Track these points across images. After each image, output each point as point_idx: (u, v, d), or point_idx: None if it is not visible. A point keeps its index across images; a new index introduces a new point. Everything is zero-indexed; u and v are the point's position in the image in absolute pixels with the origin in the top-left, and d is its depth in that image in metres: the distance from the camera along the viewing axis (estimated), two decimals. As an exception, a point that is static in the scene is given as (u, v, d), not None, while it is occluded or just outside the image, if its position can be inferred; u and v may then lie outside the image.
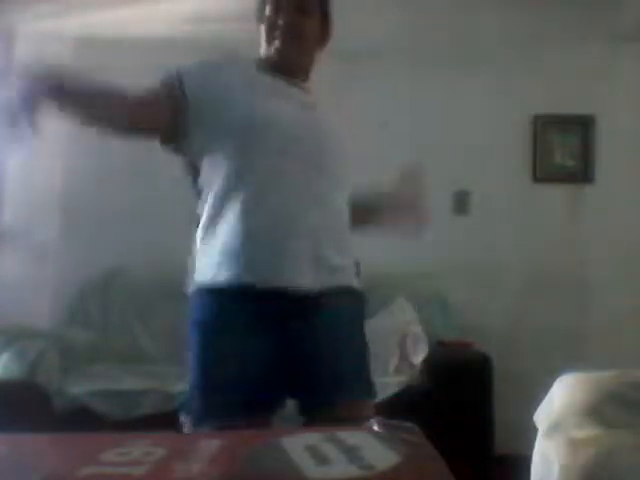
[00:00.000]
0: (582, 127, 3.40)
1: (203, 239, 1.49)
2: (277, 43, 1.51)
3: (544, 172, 3.41)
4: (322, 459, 0.49)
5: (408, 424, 0.57)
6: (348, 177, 1.56)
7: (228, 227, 1.41)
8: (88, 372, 2.77)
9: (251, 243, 1.38)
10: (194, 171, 1.57)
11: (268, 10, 1.52)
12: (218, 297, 1.41)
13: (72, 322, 3.18)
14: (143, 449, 0.51)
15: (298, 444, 0.51)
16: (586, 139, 3.39)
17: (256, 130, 1.42)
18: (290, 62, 1.54)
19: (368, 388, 1.48)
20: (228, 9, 3.19)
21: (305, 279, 1.40)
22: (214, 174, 1.46)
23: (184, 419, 1.42)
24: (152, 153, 3.67)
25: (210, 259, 1.43)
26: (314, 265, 1.41)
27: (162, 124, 1.56)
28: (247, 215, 1.39)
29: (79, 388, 2.60)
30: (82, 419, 2.49)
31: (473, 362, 2.73)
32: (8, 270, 3.39)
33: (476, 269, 3.25)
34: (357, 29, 3.12)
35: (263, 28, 1.54)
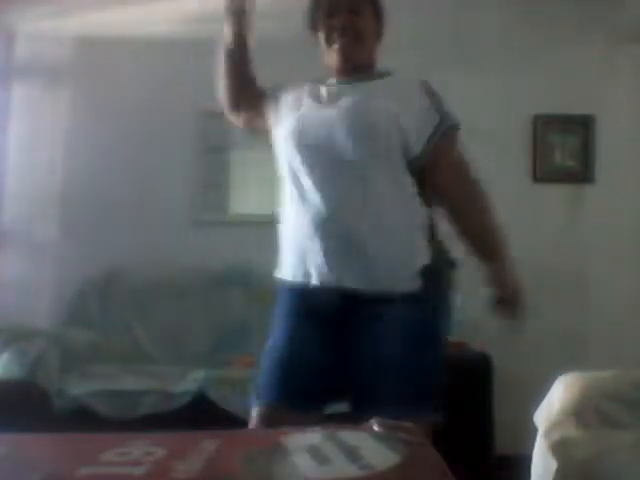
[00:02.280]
0: (582, 127, 3.39)
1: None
2: (337, 46, 1.56)
3: (544, 172, 3.41)
4: (322, 459, 0.49)
5: (408, 424, 0.57)
6: (385, 161, 1.49)
7: (285, 227, 1.56)
8: (88, 372, 2.76)
9: (294, 246, 1.51)
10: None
11: (322, 16, 1.59)
12: (286, 290, 1.55)
13: (72, 322, 3.18)
14: (143, 449, 0.51)
15: (298, 444, 0.51)
16: (586, 139, 3.39)
17: (285, 141, 1.53)
18: (352, 61, 1.57)
19: (414, 406, 1.42)
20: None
21: (345, 279, 1.44)
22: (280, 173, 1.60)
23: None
24: (152, 153, 3.69)
25: (281, 254, 1.57)
26: (352, 264, 1.44)
27: (252, 119, 1.71)
28: (292, 219, 1.52)
29: (79, 388, 2.60)
30: (82, 419, 2.49)
31: (473, 362, 2.73)
32: (8, 270, 3.39)
33: (476, 269, 3.24)
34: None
35: (320, 34, 1.59)
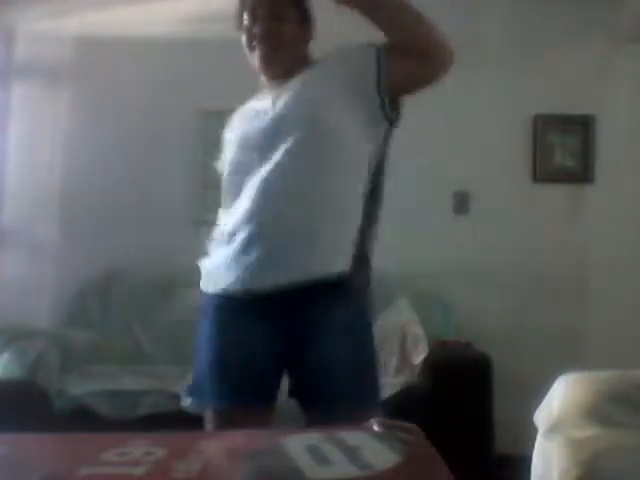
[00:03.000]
0: (582, 127, 3.39)
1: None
2: (257, 52, 1.54)
3: (544, 172, 3.41)
4: (322, 459, 0.49)
5: (408, 424, 0.57)
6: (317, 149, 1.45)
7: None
8: (88, 372, 2.76)
9: (216, 253, 1.57)
10: None
11: (245, 20, 1.56)
12: (211, 305, 1.59)
13: (72, 322, 3.18)
14: (143, 449, 0.51)
15: (298, 444, 0.51)
16: (586, 139, 3.39)
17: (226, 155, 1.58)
18: (273, 68, 1.56)
19: (362, 397, 1.43)
20: (228, 9, 3.19)
21: (261, 279, 1.41)
22: None
23: (186, 404, 1.51)
24: (152, 153, 3.69)
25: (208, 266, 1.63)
26: (270, 261, 1.40)
27: None
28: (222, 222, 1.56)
29: (79, 388, 2.60)
30: (82, 419, 2.49)
31: (473, 362, 2.73)
32: (8, 270, 3.39)
33: (476, 269, 3.24)
34: (357, 29, 3.11)
35: (243, 38, 1.57)
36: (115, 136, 3.38)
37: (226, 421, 1.42)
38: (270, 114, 1.49)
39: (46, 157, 3.46)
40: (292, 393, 1.49)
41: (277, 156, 1.43)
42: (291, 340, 1.44)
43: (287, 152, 1.42)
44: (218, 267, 1.52)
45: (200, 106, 3.35)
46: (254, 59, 1.56)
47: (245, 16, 1.57)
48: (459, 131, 3.33)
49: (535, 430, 1.87)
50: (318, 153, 1.44)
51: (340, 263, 1.40)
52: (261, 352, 1.46)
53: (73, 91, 3.49)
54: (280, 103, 1.49)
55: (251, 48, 1.56)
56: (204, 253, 1.59)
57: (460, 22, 3.36)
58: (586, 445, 1.61)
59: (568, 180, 3.41)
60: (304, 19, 1.60)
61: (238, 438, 0.58)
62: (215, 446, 0.53)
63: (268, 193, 1.42)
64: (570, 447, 1.64)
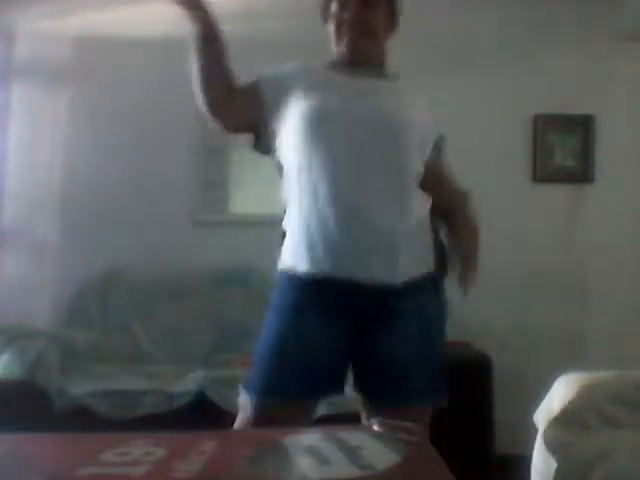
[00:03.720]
0: (582, 127, 3.39)
1: (286, 223, 1.54)
2: (346, 39, 1.55)
3: (544, 172, 3.41)
4: (322, 459, 0.49)
5: (408, 424, 0.57)
6: (416, 161, 1.55)
7: (303, 214, 1.45)
8: (88, 372, 2.76)
9: (326, 234, 1.41)
10: (279, 166, 1.58)
11: (334, 8, 1.56)
12: (298, 285, 1.44)
13: (72, 322, 3.18)
14: (143, 449, 0.51)
15: (298, 444, 0.51)
16: (586, 139, 3.39)
17: (311, 123, 1.46)
18: (361, 55, 1.57)
19: (432, 394, 1.49)
20: (228, 9, 3.19)
21: (378, 272, 1.41)
22: (291, 163, 1.50)
23: (243, 398, 1.45)
24: (152, 153, 3.69)
25: (291, 245, 1.48)
26: (386, 258, 1.42)
27: (240, 116, 1.61)
28: (317, 205, 1.43)
29: (79, 388, 2.60)
30: (82, 419, 2.49)
31: (473, 362, 2.73)
32: (8, 270, 3.39)
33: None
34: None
35: (331, 26, 1.57)
36: (115, 136, 3.38)
37: (275, 413, 1.39)
38: (376, 104, 1.51)
39: (46, 157, 3.46)
40: (359, 387, 1.50)
41: (390, 153, 1.47)
42: (367, 333, 1.45)
43: (400, 153, 1.48)
44: (323, 247, 1.42)
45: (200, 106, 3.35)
46: (341, 45, 1.56)
47: (334, 4, 1.57)
48: (459, 131, 3.32)
49: (535, 430, 1.87)
50: (412, 163, 1.54)
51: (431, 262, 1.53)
52: (331, 347, 1.44)
53: (73, 91, 3.49)
54: (387, 102, 1.53)
55: (339, 35, 1.56)
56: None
57: (460, 22, 3.37)
58: (586, 445, 1.61)
59: (568, 180, 3.41)
60: (392, 11, 1.64)
61: (238, 438, 0.58)
62: (215, 446, 0.53)
63: (394, 198, 1.46)
64: (570, 447, 1.64)
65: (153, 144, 3.40)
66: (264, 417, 1.38)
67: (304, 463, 0.47)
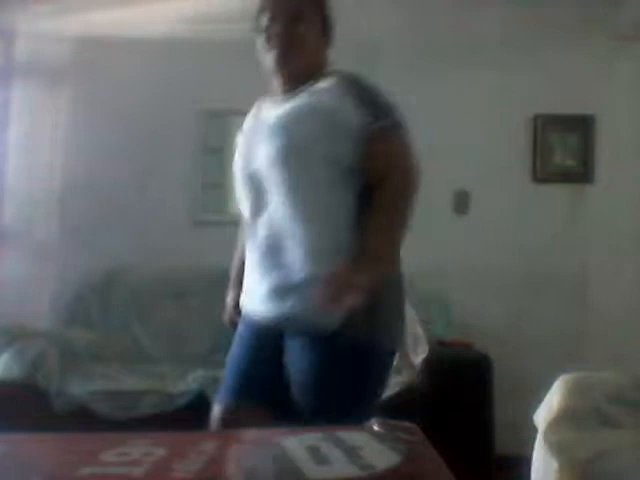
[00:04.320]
0: (582, 127, 3.39)
1: None
2: (274, 53, 1.51)
3: (544, 172, 3.41)
4: (322, 459, 0.49)
5: (408, 424, 0.57)
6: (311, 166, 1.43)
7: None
8: (88, 372, 2.76)
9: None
10: None
11: (264, 20, 1.53)
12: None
13: (72, 322, 3.18)
14: (143, 449, 0.51)
15: (298, 444, 0.51)
16: (586, 139, 3.39)
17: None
18: (287, 69, 1.52)
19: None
20: (228, 9, 3.19)
21: (259, 306, 1.51)
22: None
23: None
24: (152, 153, 3.69)
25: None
26: (266, 292, 1.48)
27: None
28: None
29: (79, 388, 2.60)
30: (82, 419, 2.49)
31: (473, 362, 2.72)
32: (8, 270, 3.39)
33: (476, 269, 3.24)
34: (357, 28, 3.12)
35: (261, 39, 1.54)
36: (115, 136, 3.38)
37: (231, 415, 1.51)
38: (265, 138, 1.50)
39: (46, 157, 3.46)
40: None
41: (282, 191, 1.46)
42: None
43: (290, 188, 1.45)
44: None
45: (200, 106, 3.35)
46: (268, 60, 1.53)
47: (264, 16, 1.53)
48: (459, 131, 3.33)
49: (535, 430, 1.87)
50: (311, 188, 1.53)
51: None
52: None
53: (73, 91, 3.49)
54: (276, 129, 1.48)
55: (267, 48, 1.52)
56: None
57: (460, 22, 3.37)
58: (586, 445, 1.61)
59: (568, 180, 3.41)
60: (324, 24, 1.57)
61: (238, 438, 0.58)
62: (215, 446, 0.53)
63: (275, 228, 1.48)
64: (570, 447, 1.64)
65: (153, 144, 3.40)
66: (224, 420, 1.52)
67: (304, 463, 0.47)
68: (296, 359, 1.45)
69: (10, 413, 2.33)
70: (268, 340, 1.51)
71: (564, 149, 3.41)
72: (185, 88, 3.34)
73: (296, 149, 1.43)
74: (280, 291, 1.45)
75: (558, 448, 1.67)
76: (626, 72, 3.37)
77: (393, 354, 1.53)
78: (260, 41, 1.54)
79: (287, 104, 1.50)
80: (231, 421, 1.49)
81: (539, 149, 3.40)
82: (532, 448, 1.86)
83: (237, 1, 3.33)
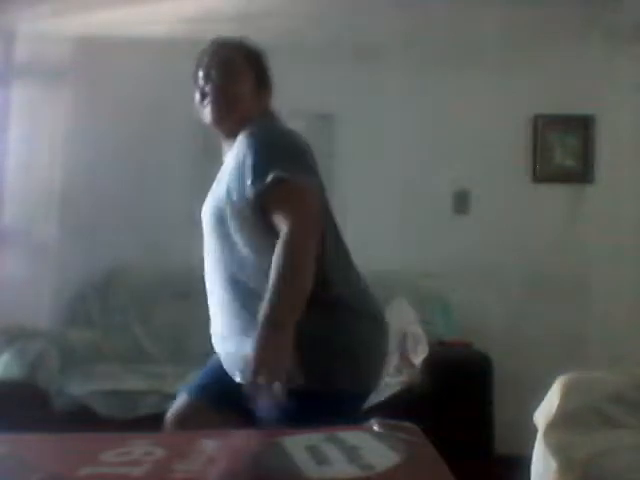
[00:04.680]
0: (582, 127, 3.39)
1: None
2: (207, 111, 1.57)
3: (544, 172, 3.41)
4: (322, 459, 0.49)
5: (408, 424, 0.57)
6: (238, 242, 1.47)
7: None
8: (88, 372, 2.76)
9: None
10: None
11: (199, 78, 1.59)
12: None
13: (72, 322, 3.18)
14: (143, 449, 0.51)
15: (298, 444, 0.51)
16: (586, 139, 3.39)
17: None
18: (222, 126, 1.59)
19: None
20: (228, 9, 3.19)
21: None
22: None
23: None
24: (152, 153, 3.69)
25: None
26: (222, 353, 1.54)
27: None
28: None
29: (79, 388, 2.60)
30: (82, 419, 2.49)
31: (473, 362, 2.73)
32: (8, 270, 3.39)
33: (476, 269, 3.24)
34: (357, 28, 3.12)
35: (196, 95, 1.60)
36: (115, 136, 3.38)
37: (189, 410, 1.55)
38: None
39: (46, 157, 3.46)
40: None
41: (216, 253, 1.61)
42: None
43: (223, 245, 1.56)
44: None
45: (200, 106, 3.35)
46: (204, 116, 1.60)
47: (199, 74, 1.59)
48: (459, 131, 3.33)
49: (535, 430, 1.87)
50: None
51: None
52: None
53: (73, 91, 3.49)
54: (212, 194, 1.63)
55: (203, 106, 1.58)
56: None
57: (460, 22, 3.37)
58: (586, 445, 1.61)
59: (568, 180, 3.41)
60: (260, 82, 1.60)
61: (238, 438, 0.58)
62: (215, 446, 0.53)
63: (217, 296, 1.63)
64: (570, 447, 1.64)
65: (153, 144, 3.40)
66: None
67: (304, 463, 0.47)
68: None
69: (10, 413, 2.33)
70: None
71: (564, 149, 3.41)
72: (185, 88, 3.33)
73: (218, 208, 1.54)
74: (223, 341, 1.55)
75: (558, 448, 1.67)
76: (626, 72, 3.37)
77: (355, 396, 1.43)
78: (196, 97, 1.60)
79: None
80: (188, 416, 1.50)
81: (539, 149, 3.40)
82: (532, 448, 1.86)
83: (237, 1, 3.33)
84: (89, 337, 3.06)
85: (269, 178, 1.36)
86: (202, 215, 1.66)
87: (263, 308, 1.29)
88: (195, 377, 1.68)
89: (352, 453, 0.50)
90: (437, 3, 3.34)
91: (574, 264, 3.31)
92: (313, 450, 0.51)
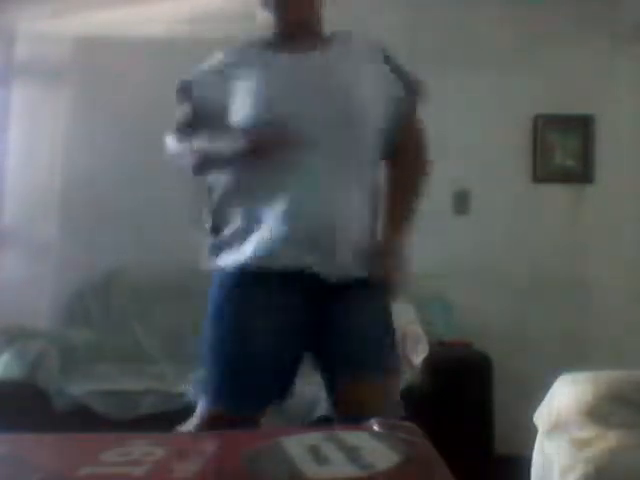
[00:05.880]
0: (582, 127, 3.39)
1: (217, 221, 1.57)
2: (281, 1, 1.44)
3: (544, 172, 3.41)
4: (322, 459, 0.49)
5: (408, 424, 0.57)
6: (363, 132, 1.44)
7: (243, 212, 1.46)
8: (88, 372, 2.76)
9: (267, 227, 1.41)
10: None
11: None
12: (240, 278, 1.44)
13: (72, 322, 3.18)
14: (143, 449, 0.51)
15: (298, 444, 0.51)
16: (586, 139, 3.39)
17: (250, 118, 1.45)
18: (293, 15, 1.46)
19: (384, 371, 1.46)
20: (228, 9, 3.19)
21: (316, 265, 1.39)
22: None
23: (195, 397, 1.50)
24: (152, 153, 3.68)
25: (228, 242, 1.50)
26: (322, 250, 1.39)
27: None
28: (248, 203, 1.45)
29: (79, 388, 2.60)
30: (82, 419, 2.49)
31: (473, 362, 2.73)
32: (8, 270, 3.39)
33: (476, 269, 3.24)
34: (357, 28, 3.12)
35: None
36: (115, 136, 3.38)
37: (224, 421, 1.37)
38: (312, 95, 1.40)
39: (46, 157, 3.46)
40: (321, 369, 1.49)
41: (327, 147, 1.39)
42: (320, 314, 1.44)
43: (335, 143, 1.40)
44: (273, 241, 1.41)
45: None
46: (269, 6, 1.45)
47: None
48: (459, 131, 3.33)
49: (535, 430, 1.87)
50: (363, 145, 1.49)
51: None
52: (282, 344, 1.43)
53: (73, 91, 3.49)
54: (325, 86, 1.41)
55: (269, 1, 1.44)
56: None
57: (460, 22, 3.37)
58: (586, 445, 1.61)
59: (568, 180, 3.41)
60: None
61: (238, 438, 0.58)
62: (215, 446, 0.53)
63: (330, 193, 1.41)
64: (570, 447, 1.64)
65: (153, 144, 3.39)
66: (217, 424, 1.36)
67: (304, 463, 0.47)
68: (357, 310, 1.44)
69: (10, 413, 2.33)
70: (294, 298, 1.41)
71: (564, 149, 3.41)
72: (185, 88, 3.34)
73: (358, 115, 1.42)
74: (324, 239, 1.39)
75: (558, 448, 1.67)
76: (626, 72, 3.37)
77: None
78: None
79: (320, 59, 1.44)
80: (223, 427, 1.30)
81: (539, 149, 3.40)
82: (532, 448, 1.86)
83: (237, 1, 3.33)
84: (89, 337, 3.06)
85: (419, 98, 1.54)
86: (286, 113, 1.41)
87: (400, 209, 1.51)
88: (216, 379, 1.51)
89: (352, 453, 0.50)
90: (437, 3, 3.34)
91: (574, 264, 3.31)
92: (313, 450, 0.51)
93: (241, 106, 1.45)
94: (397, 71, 1.51)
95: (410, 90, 1.52)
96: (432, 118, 3.45)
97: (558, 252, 3.32)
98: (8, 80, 3.50)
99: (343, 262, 1.40)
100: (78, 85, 3.48)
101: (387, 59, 1.51)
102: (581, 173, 3.40)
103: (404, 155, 1.52)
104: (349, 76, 1.45)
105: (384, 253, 1.45)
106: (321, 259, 1.39)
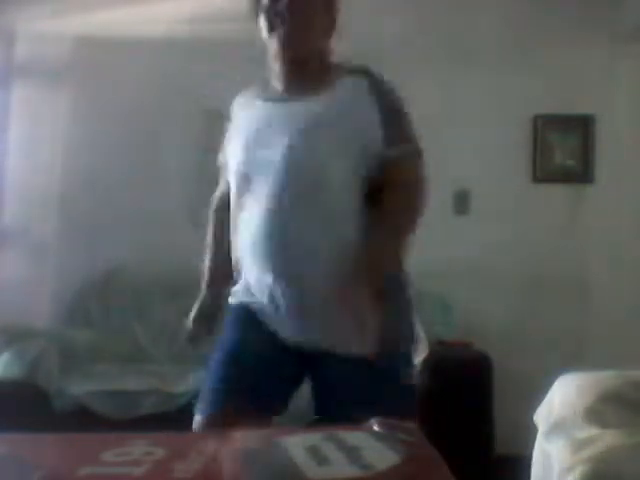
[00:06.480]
0: (582, 127, 3.39)
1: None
2: (280, 30, 1.40)
3: (544, 172, 3.41)
4: (322, 459, 0.49)
5: (408, 424, 0.57)
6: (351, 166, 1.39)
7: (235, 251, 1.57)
8: (88, 372, 2.76)
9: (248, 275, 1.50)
10: None
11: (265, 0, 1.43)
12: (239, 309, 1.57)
13: (72, 322, 3.18)
14: (143, 449, 0.51)
15: (298, 444, 0.51)
16: (586, 139, 3.39)
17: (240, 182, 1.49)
18: (296, 51, 1.43)
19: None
20: (228, 9, 3.19)
21: (290, 331, 1.43)
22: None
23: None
24: (152, 153, 3.69)
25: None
26: (299, 315, 1.40)
27: None
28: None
29: (79, 388, 2.60)
30: (82, 419, 2.49)
31: (473, 362, 2.73)
32: (8, 270, 3.39)
33: (476, 269, 3.24)
34: (357, 29, 3.11)
35: (262, 20, 1.44)
36: (115, 136, 3.38)
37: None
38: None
39: (46, 157, 3.46)
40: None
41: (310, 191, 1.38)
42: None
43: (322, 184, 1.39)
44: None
45: (200, 106, 3.35)
46: (273, 41, 1.42)
47: None
48: (459, 131, 3.33)
49: (535, 430, 1.87)
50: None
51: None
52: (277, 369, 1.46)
53: (73, 91, 3.49)
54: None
55: (272, 28, 1.41)
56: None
57: (460, 22, 3.37)
58: (586, 445, 1.61)
59: (568, 180, 3.41)
60: (329, 7, 1.49)
61: (238, 438, 0.58)
62: (215, 446, 0.53)
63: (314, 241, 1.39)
64: (570, 447, 1.64)
65: (153, 144, 3.40)
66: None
67: (304, 463, 0.47)
68: (340, 379, 1.40)
69: (10, 413, 2.33)
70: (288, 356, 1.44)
71: (564, 149, 3.41)
72: (185, 88, 3.34)
73: (327, 154, 1.38)
74: (306, 310, 1.38)
75: (558, 448, 1.67)
76: (626, 72, 3.37)
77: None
78: (261, 23, 1.44)
79: (314, 103, 1.41)
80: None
81: (539, 149, 3.40)
82: (532, 448, 1.86)
83: (237, 1, 3.32)
84: (89, 337, 3.06)
85: (411, 148, 1.48)
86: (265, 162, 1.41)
87: (382, 242, 1.41)
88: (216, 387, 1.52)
89: (352, 453, 0.50)
90: (437, 3, 3.34)
91: (574, 264, 3.31)
92: (313, 450, 0.51)
93: (230, 150, 1.53)
94: (389, 117, 1.44)
95: (399, 140, 1.45)
96: (432, 118, 3.45)
97: (558, 252, 3.32)
98: (8, 80, 3.50)
99: (312, 334, 1.40)
100: (78, 85, 3.48)
101: (382, 100, 1.44)
102: (581, 173, 3.40)
103: (388, 195, 1.43)
104: (329, 138, 1.39)
105: (364, 330, 1.30)
106: (292, 329, 1.42)
